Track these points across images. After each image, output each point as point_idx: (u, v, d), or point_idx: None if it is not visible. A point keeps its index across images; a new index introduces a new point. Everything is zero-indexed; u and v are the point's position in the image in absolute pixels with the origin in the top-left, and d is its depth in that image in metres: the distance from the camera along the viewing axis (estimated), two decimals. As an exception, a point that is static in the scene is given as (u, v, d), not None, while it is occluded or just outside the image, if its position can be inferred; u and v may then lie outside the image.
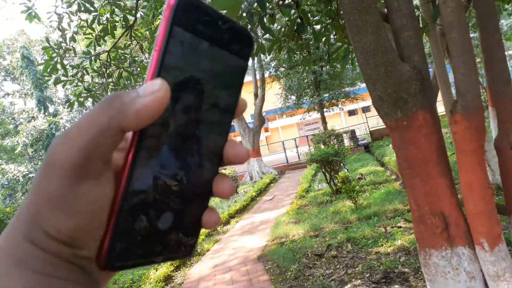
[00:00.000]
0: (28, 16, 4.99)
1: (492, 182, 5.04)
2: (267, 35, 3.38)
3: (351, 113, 28.51)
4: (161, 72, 0.27)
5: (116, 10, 5.06)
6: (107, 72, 5.51)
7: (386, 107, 2.07)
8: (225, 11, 2.49)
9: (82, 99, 5.39)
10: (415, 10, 2.32)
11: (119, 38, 5.49)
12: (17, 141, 24.58)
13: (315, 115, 19.02)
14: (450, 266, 2.22)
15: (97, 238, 0.27)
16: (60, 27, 4.89)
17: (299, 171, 16.85)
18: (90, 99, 5.56)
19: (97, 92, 5.45)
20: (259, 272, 5.44)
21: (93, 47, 5.20)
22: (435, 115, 2.11)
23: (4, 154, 31.14)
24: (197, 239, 0.33)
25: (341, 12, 3.25)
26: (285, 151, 19.13)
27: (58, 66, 4.86)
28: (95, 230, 0.27)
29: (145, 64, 6.09)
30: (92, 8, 4.69)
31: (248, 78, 20.22)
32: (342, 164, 9.94)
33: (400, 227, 5.94)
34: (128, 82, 5.84)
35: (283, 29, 3.51)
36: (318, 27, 3.67)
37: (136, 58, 6.09)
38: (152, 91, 0.26)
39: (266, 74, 16.89)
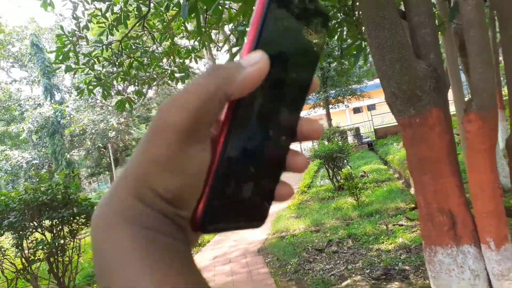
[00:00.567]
0: (43, 3, 5.00)
1: (497, 184, 5.04)
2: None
3: (356, 110, 28.40)
4: (259, 45, 0.29)
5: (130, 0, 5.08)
6: (118, 61, 5.53)
7: (399, 103, 2.09)
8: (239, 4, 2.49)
9: (91, 87, 5.42)
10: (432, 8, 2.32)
11: (132, 28, 5.50)
12: (22, 128, 24.69)
13: (320, 111, 18.99)
14: (455, 264, 2.25)
15: (195, 200, 0.29)
16: (74, 15, 4.90)
17: (302, 167, 16.82)
18: (99, 88, 5.58)
19: (107, 81, 5.48)
20: (259, 264, 5.48)
21: (105, 36, 5.22)
22: (448, 113, 2.13)
23: (8, 140, 31.33)
24: (268, 210, 0.35)
25: (356, 8, 3.26)
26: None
27: (71, 54, 4.89)
28: (196, 192, 0.29)
29: (156, 54, 6.10)
30: (107, -3, 4.71)
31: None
32: (346, 161, 9.93)
33: (402, 225, 5.97)
34: (138, 72, 5.87)
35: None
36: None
37: (147, 48, 6.10)
38: (254, 62, 0.28)
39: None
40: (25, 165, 26.26)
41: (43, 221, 4.78)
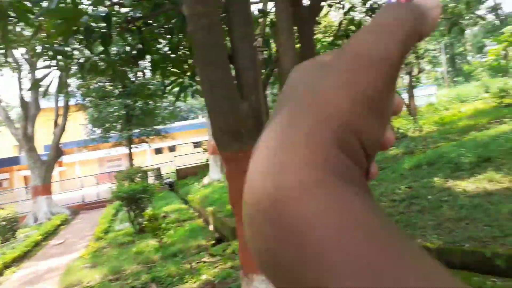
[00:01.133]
0: None
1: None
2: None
3: (158, 151, 28.53)
4: None
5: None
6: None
7: (225, 138, 2.22)
8: (60, 21, 2.17)
9: None
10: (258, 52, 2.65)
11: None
12: None
13: (121, 151, 18.09)
14: (267, 289, 2.46)
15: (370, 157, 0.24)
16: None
17: (98, 211, 15.59)
18: None
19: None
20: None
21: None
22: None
23: None
24: None
25: (182, 45, 3.37)
26: (82, 189, 17.43)
27: None
28: (376, 147, 0.24)
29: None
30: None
31: (49, 104, 17.68)
32: (150, 201, 9.72)
33: (205, 262, 6.17)
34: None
35: (120, 51, 3.31)
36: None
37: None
38: (437, 4, 0.27)
39: (72, 102, 15.25)
40: None
41: None
